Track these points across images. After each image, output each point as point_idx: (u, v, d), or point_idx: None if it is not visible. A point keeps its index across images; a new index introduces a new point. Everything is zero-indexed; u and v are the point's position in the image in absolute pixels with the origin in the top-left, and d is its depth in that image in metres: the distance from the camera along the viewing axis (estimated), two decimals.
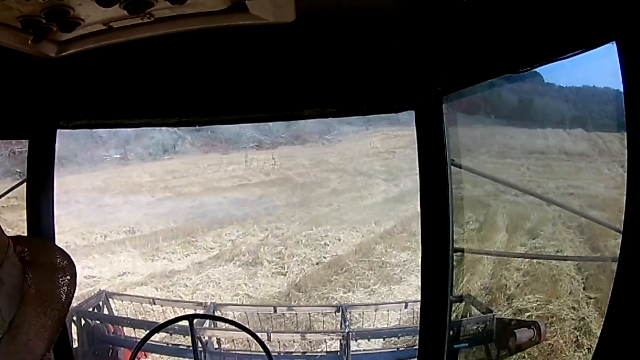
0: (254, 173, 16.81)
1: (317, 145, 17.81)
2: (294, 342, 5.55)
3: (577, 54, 1.37)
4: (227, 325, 3.91)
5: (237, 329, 2.96)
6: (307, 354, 5.64)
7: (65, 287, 0.82)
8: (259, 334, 2.94)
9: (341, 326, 5.77)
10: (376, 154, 17.55)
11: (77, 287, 0.85)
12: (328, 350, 5.45)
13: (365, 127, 18.01)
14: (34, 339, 0.74)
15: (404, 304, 6.67)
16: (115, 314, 6.14)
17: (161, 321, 4.13)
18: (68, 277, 0.84)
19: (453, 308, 2.17)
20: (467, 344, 2.52)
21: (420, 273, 2.09)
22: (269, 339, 5.05)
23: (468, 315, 2.95)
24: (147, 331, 3.06)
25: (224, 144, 17.75)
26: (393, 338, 5.69)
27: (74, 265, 0.87)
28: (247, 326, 3.13)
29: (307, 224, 13.42)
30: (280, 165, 16.81)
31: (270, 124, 14.97)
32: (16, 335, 0.72)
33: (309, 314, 6.83)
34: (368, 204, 14.79)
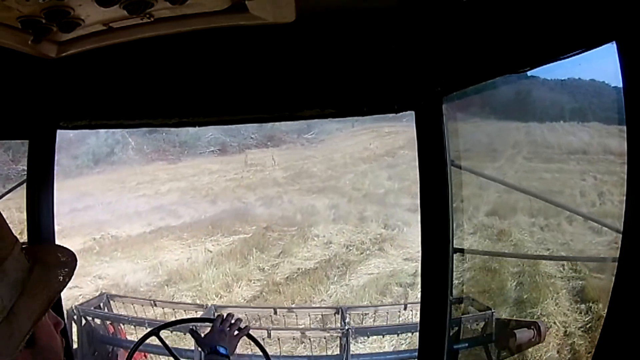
0: (195, 199, 11.09)
1: (295, 148, 13.20)
2: (293, 339, 5.44)
3: (577, 53, 1.37)
4: None
5: None
6: (307, 355, 5.64)
7: (61, 277, 0.95)
8: (258, 332, 2.93)
9: (341, 325, 5.77)
10: (374, 158, 12.83)
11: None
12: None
13: (351, 123, 13.85)
14: (24, 321, 0.87)
15: (403, 306, 6.68)
16: None
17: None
18: (66, 269, 0.97)
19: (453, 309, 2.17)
20: (467, 345, 2.51)
21: (420, 273, 2.10)
22: (268, 336, 5.04)
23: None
24: (148, 330, 3.05)
25: (177, 148, 13.46)
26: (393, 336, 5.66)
27: (75, 260, 1.00)
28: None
29: None
30: (240, 181, 11.18)
31: None
32: (12, 321, 0.87)
33: (309, 314, 6.84)
34: None
